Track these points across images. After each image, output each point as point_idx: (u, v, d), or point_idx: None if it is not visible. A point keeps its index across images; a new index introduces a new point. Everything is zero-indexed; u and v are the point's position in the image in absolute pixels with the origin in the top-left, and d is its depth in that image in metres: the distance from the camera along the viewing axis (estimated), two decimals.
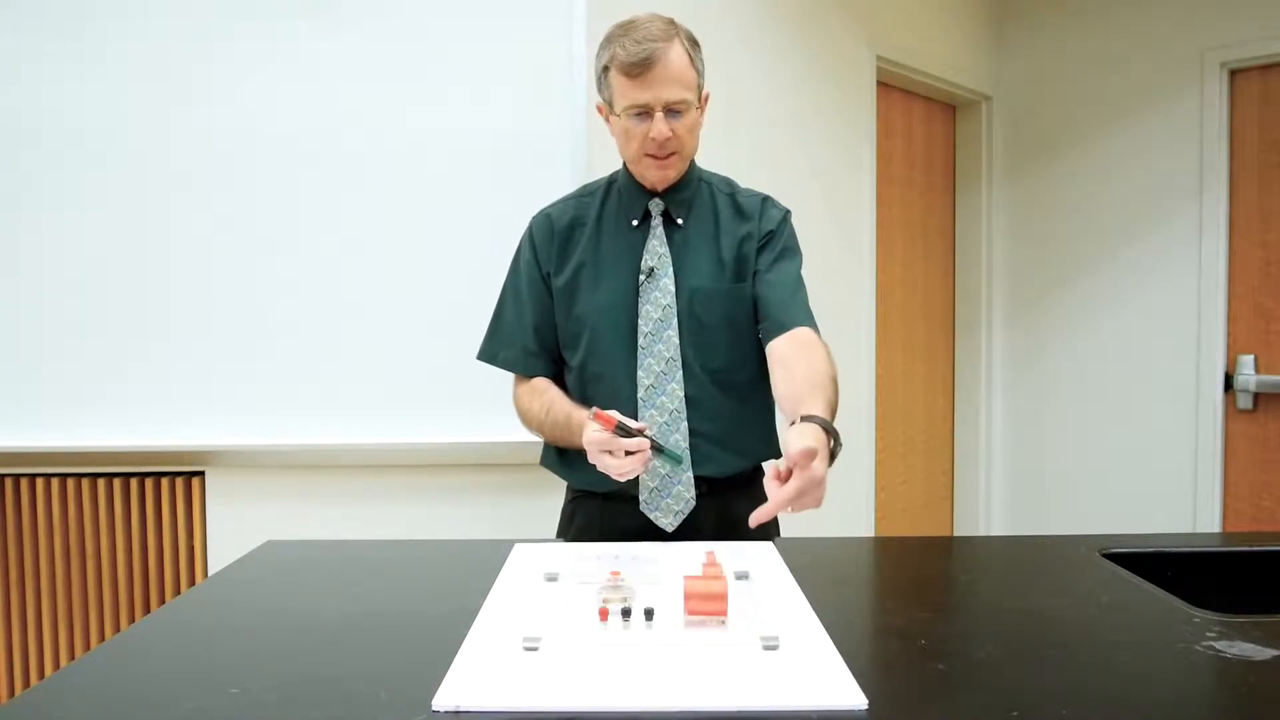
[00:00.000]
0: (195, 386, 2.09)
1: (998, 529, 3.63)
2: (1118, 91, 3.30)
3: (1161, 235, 3.21)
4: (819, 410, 1.23)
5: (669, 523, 1.44)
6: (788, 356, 1.37)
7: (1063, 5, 3.44)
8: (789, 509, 1.10)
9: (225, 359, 2.09)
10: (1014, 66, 3.58)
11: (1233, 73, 3.08)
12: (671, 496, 1.43)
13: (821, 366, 1.34)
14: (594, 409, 1.31)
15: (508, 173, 2.09)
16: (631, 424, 1.28)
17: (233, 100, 2.08)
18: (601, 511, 1.49)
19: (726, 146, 2.51)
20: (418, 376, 2.11)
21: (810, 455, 1.08)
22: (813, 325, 1.44)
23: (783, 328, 1.41)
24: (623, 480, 1.31)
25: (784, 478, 1.10)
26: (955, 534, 3.65)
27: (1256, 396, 3.05)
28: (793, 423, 1.22)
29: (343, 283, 2.11)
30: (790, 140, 2.76)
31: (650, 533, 1.43)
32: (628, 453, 1.28)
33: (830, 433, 1.20)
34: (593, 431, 1.29)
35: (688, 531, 1.44)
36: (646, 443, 1.27)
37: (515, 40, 2.11)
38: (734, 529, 1.45)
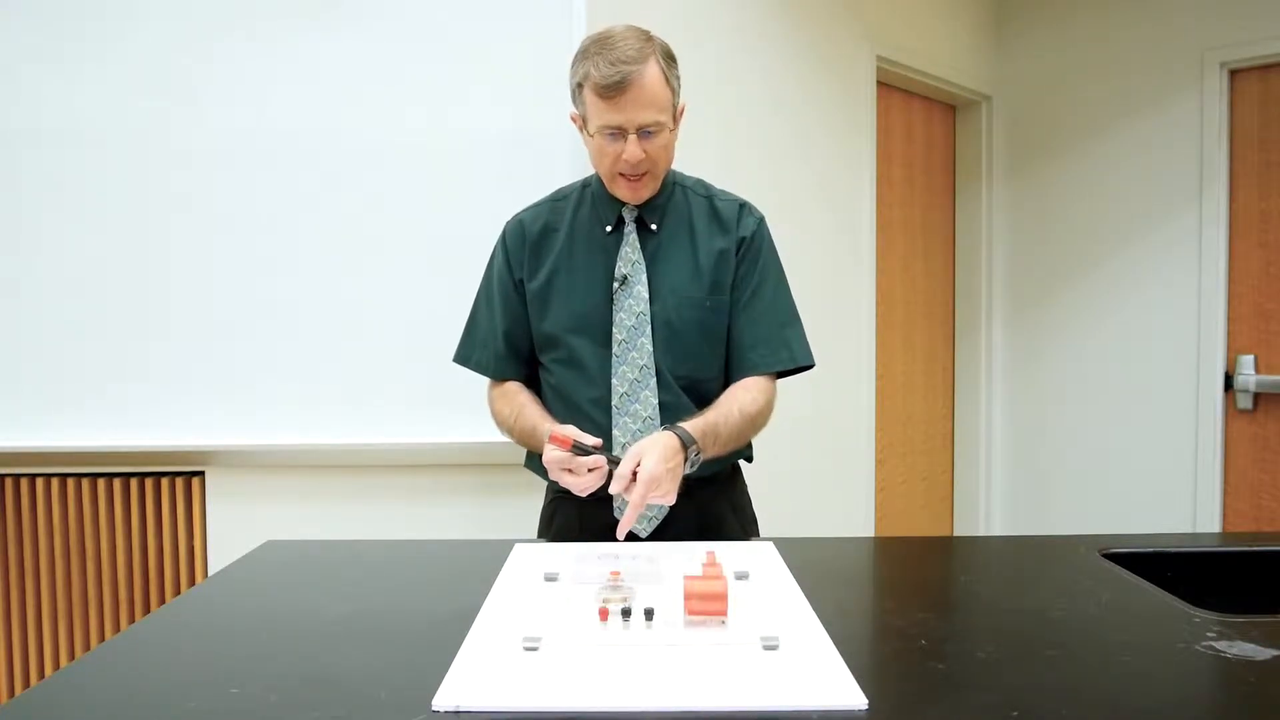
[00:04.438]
0: (195, 386, 2.09)
1: (998, 529, 3.63)
2: (1118, 91, 3.29)
3: (1161, 235, 3.21)
4: (690, 422, 1.34)
5: (643, 528, 1.44)
6: (732, 388, 1.48)
7: (1063, 5, 3.44)
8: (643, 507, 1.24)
9: (225, 359, 2.09)
10: (1014, 66, 3.58)
11: (1233, 73, 3.07)
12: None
13: (734, 399, 1.43)
14: (550, 431, 1.31)
15: (508, 173, 2.09)
16: (587, 442, 1.28)
17: (233, 100, 2.07)
18: (580, 512, 1.48)
19: (726, 147, 2.51)
20: (418, 377, 2.10)
21: (634, 460, 1.23)
22: (771, 360, 1.49)
23: (744, 371, 1.49)
24: (584, 495, 1.31)
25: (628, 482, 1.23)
26: (955, 534, 3.65)
27: (1256, 396, 3.05)
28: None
29: (343, 283, 2.11)
30: (790, 140, 2.76)
31: (628, 535, 1.43)
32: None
33: (685, 441, 1.30)
34: (551, 452, 1.30)
35: (665, 534, 1.44)
36: (603, 459, 1.28)
37: (515, 41, 2.11)
38: (712, 530, 1.46)
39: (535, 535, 1.60)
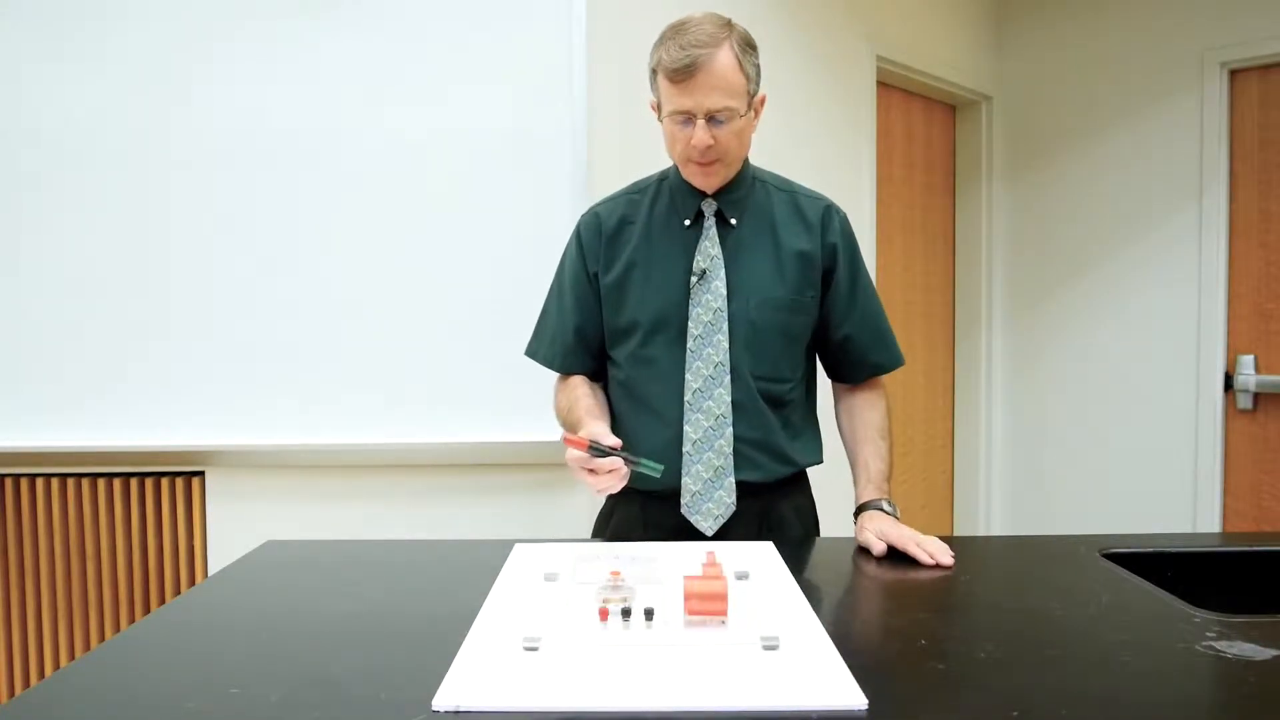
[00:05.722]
0: (195, 386, 2.09)
1: (998, 529, 3.63)
2: (1118, 91, 3.29)
3: (1161, 235, 3.21)
4: (873, 489, 1.43)
5: (709, 526, 1.42)
6: (853, 407, 1.56)
7: (1063, 5, 3.44)
8: (932, 558, 1.26)
9: (225, 359, 2.09)
10: (1014, 66, 3.58)
11: (1233, 73, 3.07)
12: (713, 501, 1.42)
13: (878, 419, 1.52)
14: (563, 433, 1.30)
15: (508, 173, 2.09)
16: (605, 442, 1.27)
17: (233, 100, 2.07)
18: (643, 510, 1.47)
19: None
20: (418, 376, 2.10)
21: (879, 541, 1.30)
22: (894, 358, 1.57)
23: (863, 373, 1.56)
24: (600, 495, 1.31)
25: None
26: (955, 534, 3.65)
27: (1256, 396, 3.05)
28: (858, 509, 1.41)
29: (343, 282, 2.11)
30: (790, 140, 2.76)
31: (690, 533, 1.42)
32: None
33: (889, 509, 1.38)
34: (570, 452, 1.28)
35: (730, 533, 1.43)
36: (620, 461, 1.26)
37: (515, 40, 2.11)
38: (774, 531, 1.46)
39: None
